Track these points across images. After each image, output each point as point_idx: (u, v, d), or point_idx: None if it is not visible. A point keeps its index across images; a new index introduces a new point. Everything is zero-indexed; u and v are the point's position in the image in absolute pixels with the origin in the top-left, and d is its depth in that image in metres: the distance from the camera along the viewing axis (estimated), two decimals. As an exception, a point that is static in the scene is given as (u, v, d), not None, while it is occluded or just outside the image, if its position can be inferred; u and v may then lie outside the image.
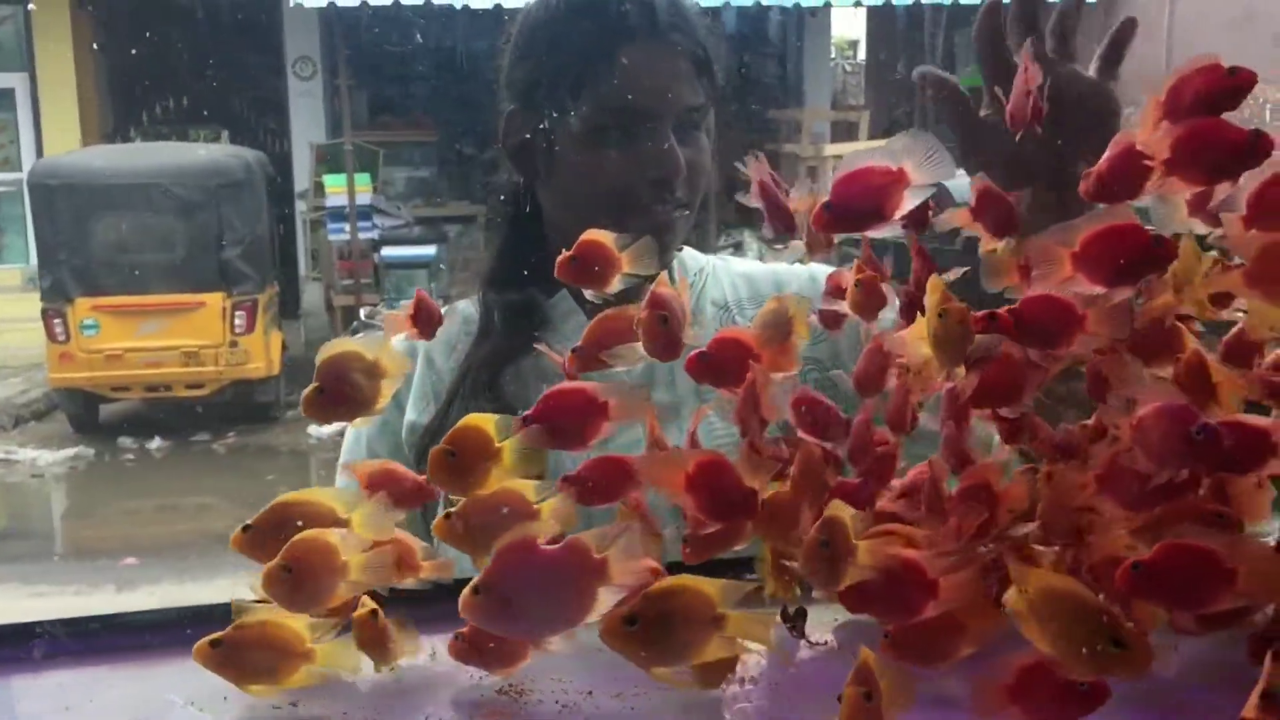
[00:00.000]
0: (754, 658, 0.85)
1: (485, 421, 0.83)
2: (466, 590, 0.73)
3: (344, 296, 10.54)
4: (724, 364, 0.83)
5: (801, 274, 1.40)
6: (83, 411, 9.15)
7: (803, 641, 0.88)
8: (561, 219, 1.34)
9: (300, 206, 11.91)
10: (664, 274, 0.87)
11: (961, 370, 0.79)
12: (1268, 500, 0.81)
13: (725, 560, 0.86)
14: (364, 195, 10.82)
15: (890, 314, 0.86)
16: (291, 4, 9.92)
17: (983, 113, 1.00)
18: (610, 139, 1.27)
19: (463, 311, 1.39)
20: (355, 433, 1.38)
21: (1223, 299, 0.78)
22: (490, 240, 1.43)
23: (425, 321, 0.95)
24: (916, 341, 0.78)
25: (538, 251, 1.33)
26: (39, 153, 11.64)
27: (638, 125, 1.27)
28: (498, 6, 9.16)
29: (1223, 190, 0.75)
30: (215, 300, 8.91)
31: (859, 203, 0.80)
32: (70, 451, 8.72)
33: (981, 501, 0.80)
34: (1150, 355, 0.79)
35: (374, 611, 0.82)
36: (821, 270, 1.32)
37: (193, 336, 8.85)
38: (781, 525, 0.82)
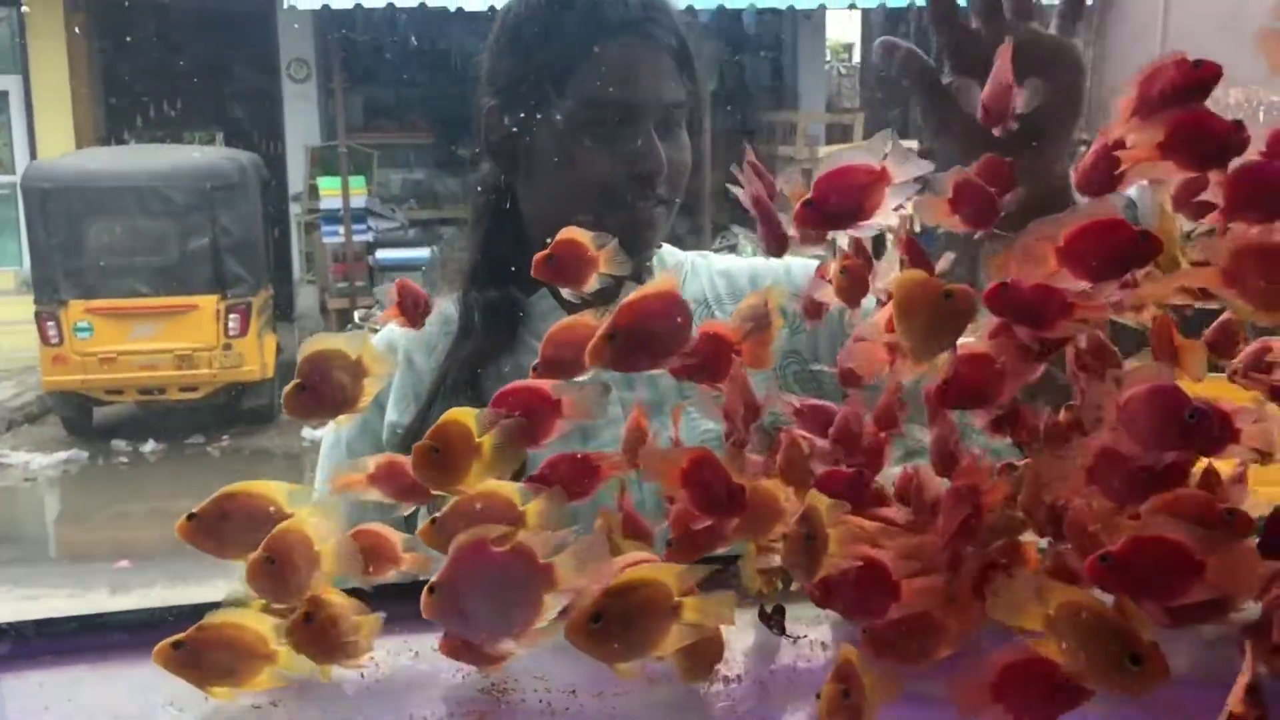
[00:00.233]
0: (740, 656, 0.85)
1: (467, 416, 0.82)
2: (425, 589, 0.73)
3: (338, 299, 10.54)
4: (704, 359, 0.83)
5: (777, 268, 1.39)
6: (76, 414, 9.14)
7: (785, 639, 0.87)
8: (542, 216, 1.33)
9: (295, 209, 11.92)
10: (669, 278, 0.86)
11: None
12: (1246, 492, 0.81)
13: (710, 558, 0.85)
14: (359, 198, 10.83)
15: (869, 303, 0.86)
16: (286, 6, 9.93)
17: (945, 79, 0.99)
18: (592, 135, 1.27)
19: (443, 311, 1.38)
20: (335, 434, 1.37)
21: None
22: (470, 238, 1.42)
23: (411, 308, 0.94)
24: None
25: (518, 249, 1.32)
26: (33, 155, 11.62)
27: (619, 121, 1.26)
28: (492, 9, 9.15)
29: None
30: (209, 303, 8.91)
31: (840, 200, 0.80)
32: (63, 455, 8.71)
33: (968, 500, 0.80)
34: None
35: (307, 615, 0.80)
36: (798, 264, 1.31)
37: (187, 339, 8.85)
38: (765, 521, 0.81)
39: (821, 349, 1.30)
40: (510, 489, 0.80)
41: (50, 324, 8.73)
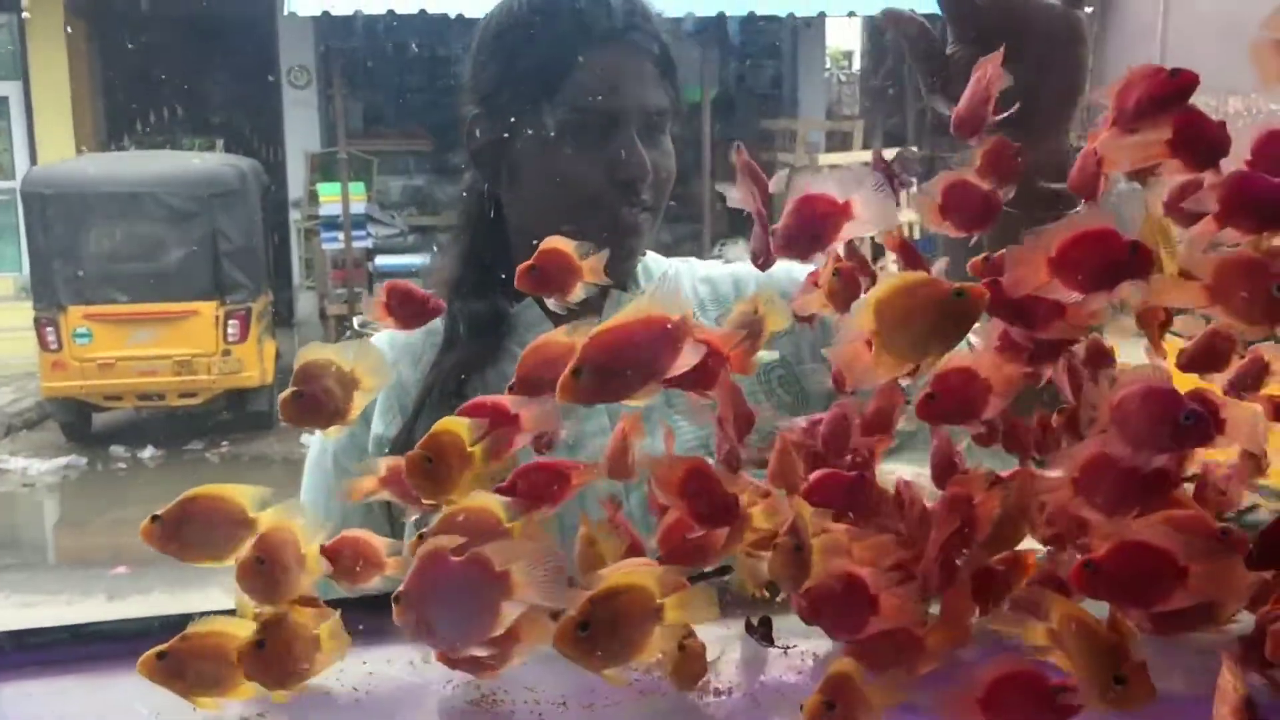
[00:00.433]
0: (731, 667, 0.84)
1: (459, 426, 0.82)
2: (392, 598, 0.73)
3: (338, 305, 10.53)
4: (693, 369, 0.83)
5: (759, 273, 1.39)
6: (75, 420, 9.13)
7: (777, 649, 0.87)
8: (527, 223, 1.33)
9: (294, 215, 11.91)
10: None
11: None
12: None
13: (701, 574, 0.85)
14: (358, 204, 10.83)
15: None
16: (286, 12, 9.94)
17: (949, 50, 0.98)
18: (575, 142, 1.27)
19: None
20: (321, 446, 1.36)
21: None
22: (454, 247, 1.41)
23: (400, 309, 0.94)
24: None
25: (503, 258, 1.32)
26: (33, 161, 11.62)
27: (602, 128, 1.26)
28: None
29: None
30: (208, 309, 8.90)
31: (800, 229, 0.81)
32: (62, 460, 8.70)
33: (961, 512, 0.80)
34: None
35: (259, 642, 0.78)
36: (781, 267, 1.32)
37: (186, 345, 8.85)
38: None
39: (805, 353, 1.30)
40: (495, 502, 0.80)
41: (49, 329, 8.73)
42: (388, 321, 0.95)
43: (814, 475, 0.83)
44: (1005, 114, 0.85)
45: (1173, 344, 0.83)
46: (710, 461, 0.81)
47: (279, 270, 10.98)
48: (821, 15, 11.30)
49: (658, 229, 1.34)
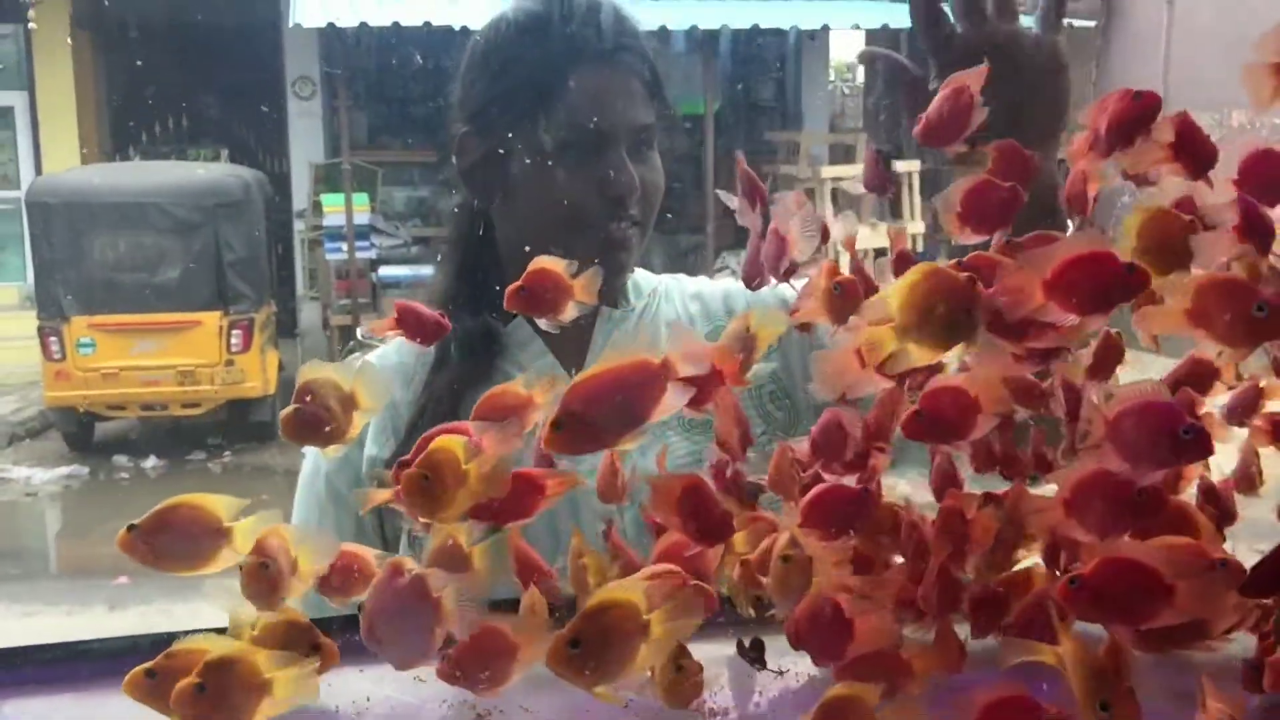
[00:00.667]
0: (724, 690, 0.84)
1: (455, 444, 0.82)
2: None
3: (341, 316, 10.54)
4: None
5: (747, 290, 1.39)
6: (78, 430, 9.14)
7: (771, 671, 0.86)
8: (517, 241, 1.33)
9: (298, 226, 11.94)
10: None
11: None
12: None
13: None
14: (362, 215, 10.84)
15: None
16: (291, 24, 9.97)
17: (932, 85, 0.99)
18: (564, 159, 1.27)
19: None
20: (313, 467, 1.35)
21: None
22: (445, 266, 1.41)
23: (412, 327, 0.94)
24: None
25: (493, 276, 1.32)
26: (37, 170, 11.67)
27: (591, 145, 1.26)
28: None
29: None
30: (212, 319, 8.91)
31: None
32: (65, 470, 8.71)
33: (956, 532, 0.79)
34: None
35: (199, 685, 0.76)
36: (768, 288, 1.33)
37: (189, 355, 8.85)
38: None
39: (794, 367, 1.30)
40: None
41: (53, 339, 8.74)
42: (391, 336, 0.95)
43: (816, 489, 0.82)
44: (977, 129, 0.85)
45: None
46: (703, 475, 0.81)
47: (283, 281, 10.99)
48: (825, 28, 11.33)
49: (646, 244, 1.35)
